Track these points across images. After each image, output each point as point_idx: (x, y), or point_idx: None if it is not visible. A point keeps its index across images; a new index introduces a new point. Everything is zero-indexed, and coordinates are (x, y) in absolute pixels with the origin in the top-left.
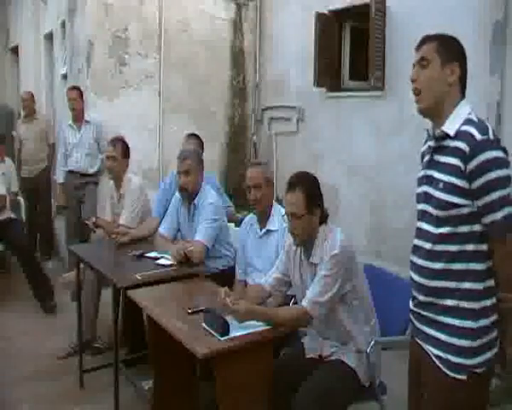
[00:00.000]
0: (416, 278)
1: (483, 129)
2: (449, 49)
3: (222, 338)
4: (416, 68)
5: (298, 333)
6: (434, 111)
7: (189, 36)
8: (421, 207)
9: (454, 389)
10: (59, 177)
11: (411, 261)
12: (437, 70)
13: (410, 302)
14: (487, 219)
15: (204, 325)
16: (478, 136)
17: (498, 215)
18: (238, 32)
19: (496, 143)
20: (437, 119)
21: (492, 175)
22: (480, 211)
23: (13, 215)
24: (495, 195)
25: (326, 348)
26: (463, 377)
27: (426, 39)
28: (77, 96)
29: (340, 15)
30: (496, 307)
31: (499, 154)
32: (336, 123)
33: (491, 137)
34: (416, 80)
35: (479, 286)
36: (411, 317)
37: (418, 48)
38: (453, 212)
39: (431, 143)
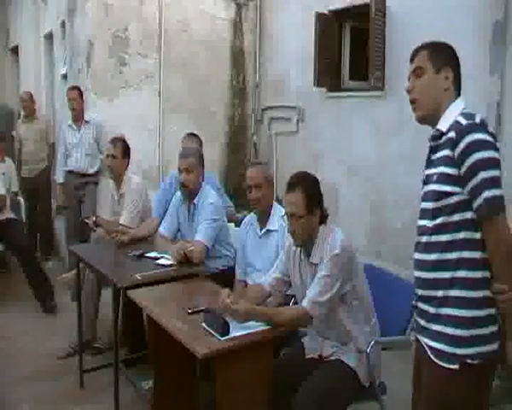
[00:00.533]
0: (416, 272)
1: (469, 116)
2: (440, 54)
3: (222, 338)
4: (411, 79)
5: (298, 333)
6: (432, 117)
7: (189, 36)
8: (421, 205)
9: (447, 379)
10: (59, 177)
11: (414, 258)
12: (431, 77)
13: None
14: (475, 204)
15: (204, 325)
16: (464, 121)
17: (483, 196)
18: (238, 32)
19: (481, 127)
20: (434, 122)
21: (476, 156)
22: (470, 197)
23: (13, 215)
24: (480, 176)
25: (326, 348)
26: (455, 366)
27: (418, 49)
28: (77, 96)
29: (340, 15)
30: (491, 302)
31: (484, 136)
32: (336, 123)
33: (477, 121)
34: (412, 90)
35: (474, 275)
36: (414, 314)
37: (412, 59)
38: (445, 201)
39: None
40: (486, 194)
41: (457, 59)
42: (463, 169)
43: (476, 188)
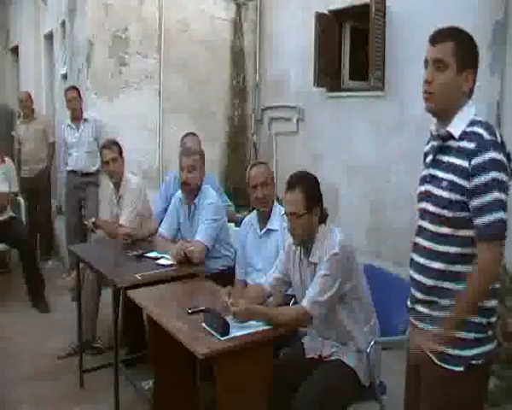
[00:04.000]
0: (415, 275)
1: (491, 130)
2: (466, 53)
3: (222, 338)
4: (430, 70)
5: (298, 333)
6: (442, 113)
7: (189, 36)
8: (423, 205)
9: (451, 382)
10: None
11: (411, 259)
12: (452, 76)
13: (408, 300)
14: (480, 220)
15: (204, 325)
16: (487, 136)
17: (487, 218)
18: (238, 32)
19: (502, 147)
20: (443, 118)
21: (491, 175)
22: (472, 211)
23: (13, 214)
24: (490, 196)
25: (326, 348)
26: (461, 369)
27: (443, 36)
28: (76, 96)
29: (340, 15)
30: (495, 310)
31: (502, 157)
32: (336, 123)
33: (499, 139)
34: (431, 83)
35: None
36: (409, 315)
37: (434, 43)
38: (455, 213)
39: (434, 143)
40: (496, 215)
41: (478, 58)
42: (474, 182)
43: (483, 207)
